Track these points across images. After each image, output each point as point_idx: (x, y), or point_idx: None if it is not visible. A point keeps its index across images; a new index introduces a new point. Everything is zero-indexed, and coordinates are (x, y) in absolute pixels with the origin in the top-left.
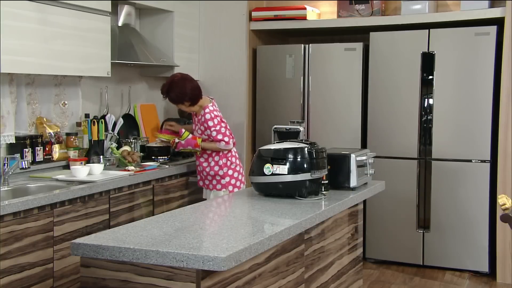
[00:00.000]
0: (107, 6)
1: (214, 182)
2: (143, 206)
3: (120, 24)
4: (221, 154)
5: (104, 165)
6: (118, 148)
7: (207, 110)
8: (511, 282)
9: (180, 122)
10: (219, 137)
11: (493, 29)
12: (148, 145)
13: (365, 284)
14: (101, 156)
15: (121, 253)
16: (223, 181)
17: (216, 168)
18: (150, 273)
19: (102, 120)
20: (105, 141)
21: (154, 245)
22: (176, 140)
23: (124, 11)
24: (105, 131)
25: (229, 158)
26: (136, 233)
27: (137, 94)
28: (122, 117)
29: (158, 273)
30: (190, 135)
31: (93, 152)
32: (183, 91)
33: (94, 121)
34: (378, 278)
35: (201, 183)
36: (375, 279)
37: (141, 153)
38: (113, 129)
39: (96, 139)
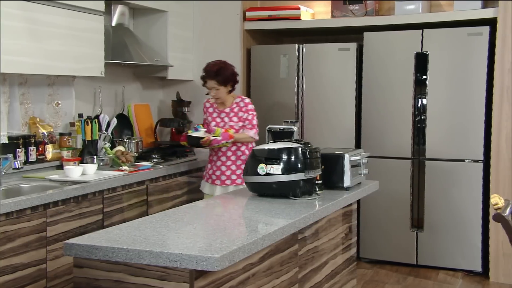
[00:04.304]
0: (101, 5)
1: (234, 176)
2: (137, 206)
3: (113, 24)
4: (249, 146)
5: (98, 165)
6: (111, 148)
7: (248, 100)
8: (504, 281)
9: (175, 122)
10: (254, 122)
11: (485, 29)
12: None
13: (359, 283)
14: (95, 156)
15: (114, 253)
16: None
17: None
18: (143, 273)
19: (96, 120)
20: (98, 141)
21: (147, 245)
22: (211, 137)
23: (118, 11)
24: (98, 131)
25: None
26: (130, 233)
27: (131, 94)
28: (116, 117)
29: (151, 273)
30: (222, 129)
31: (86, 152)
32: (233, 74)
33: (87, 121)
34: (372, 278)
35: (213, 177)
36: (369, 278)
37: (135, 153)
38: (106, 129)
39: (90, 139)
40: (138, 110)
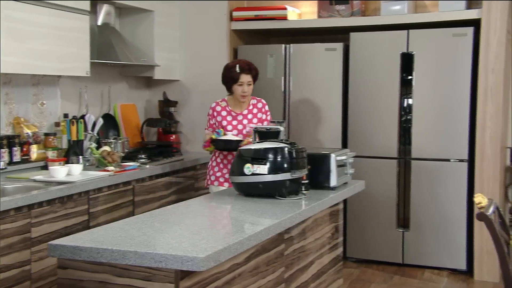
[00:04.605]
0: (86, 5)
1: None
2: (123, 207)
3: (99, 23)
4: None
5: (84, 166)
6: (97, 148)
7: (264, 101)
8: (488, 279)
9: (161, 122)
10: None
11: (470, 30)
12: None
13: (345, 283)
14: (80, 157)
15: (99, 254)
16: None
17: None
18: (128, 274)
19: (82, 120)
20: (84, 141)
21: (132, 245)
22: (250, 139)
23: (104, 11)
24: (84, 131)
25: None
26: (115, 234)
27: (117, 94)
28: (102, 117)
29: (136, 273)
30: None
31: (72, 152)
32: (258, 73)
33: (73, 121)
34: (359, 277)
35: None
36: (356, 278)
37: (121, 153)
38: (92, 129)
39: (76, 139)
40: (125, 110)
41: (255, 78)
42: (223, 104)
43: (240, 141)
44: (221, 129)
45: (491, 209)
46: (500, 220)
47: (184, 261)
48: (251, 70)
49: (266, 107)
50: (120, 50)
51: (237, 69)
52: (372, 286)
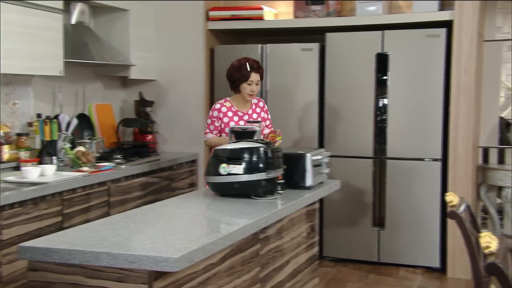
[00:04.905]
0: (59, 4)
1: None
2: (98, 208)
3: (73, 22)
4: None
5: (57, 166)
6: (72, 149)
7: (263, 100)
8: (461, 276)
9: (138, 122)
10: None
11: (442, 31)
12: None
13: (321, 282)
14: (54, 157)
15: (71, 255)
16: None
17: None
18: (100, 275)
19: (55, 120)
20: (58, 142)
21: (105, 247)
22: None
23: (77, 9)
24: (58, 131)
25: None
26: (87, 235)
27: (92, 93)
28: (77, 117)
29: (109, 275)
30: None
31: (45, 153)
32: None
33: (46, 121)
34: (335, 276)
35: None
36: (332, 277)
37: (96, 154)
38: (67, 129)
39: (49, 139)
40: (100, 110)
41: (262, 77)
42: (228, 104)
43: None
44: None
45: (462, 208)
46: (471, 218)
47: (157, 261)
48: (260, 69)
49: (266, 106)
50: (94, 49)
51: (248, 67)
52: (347, 285)
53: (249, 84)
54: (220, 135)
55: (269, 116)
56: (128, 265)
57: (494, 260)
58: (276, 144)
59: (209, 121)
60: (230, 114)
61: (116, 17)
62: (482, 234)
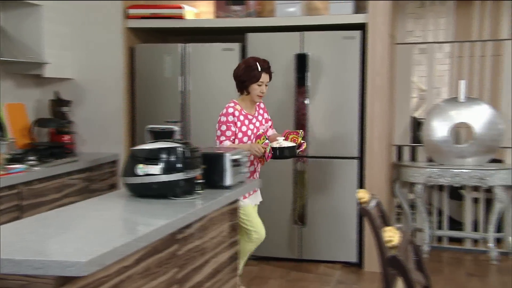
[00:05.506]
0: None
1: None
2: (8, 212)
3: None
4: None
5: None
6: None
7: (262, 101)
8: (376, 270)
9: (54, 122)
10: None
11: (357, 33)
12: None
13: (244, 281)
14: None
15: None
16: None
17: None
18: (2, 283)
19: None
20: None
21: (8, 253)
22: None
23: None
24: None
25: None
26: None
27: (3, 92)
28: None
29: (12, 282)
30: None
31: None
32: None
33: None
34: (258, 274)
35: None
36: (255, 275)
37: (7, 155)
38: None
39: None
40: (12, 110)
41: (270, 78)
42: (238, 107)
43: (294, 146)
44: (265, 135)
45: (372, 204)
46: (380, 214)
47: (65, 266)
48: (269, 69)
49: (265, 107)
50: (3, 46)
51: (259, 68)
52: (269, 282)
53: (259, 85)
54: (233, 142)
55: (269, 117)
56: (34, 271)
57: (395, 253)
58: (303, 147)
59: (223, 127)
60: (242, 117)
61: (27, 12)
62: (385, 229)
